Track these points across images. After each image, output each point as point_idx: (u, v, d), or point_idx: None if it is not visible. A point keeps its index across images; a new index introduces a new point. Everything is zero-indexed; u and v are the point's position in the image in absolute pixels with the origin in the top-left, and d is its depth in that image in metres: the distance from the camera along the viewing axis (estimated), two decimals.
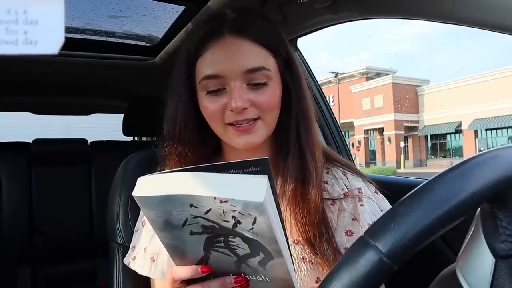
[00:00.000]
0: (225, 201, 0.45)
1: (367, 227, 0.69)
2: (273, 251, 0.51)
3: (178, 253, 0.56)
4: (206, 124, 0.72)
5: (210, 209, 0.47)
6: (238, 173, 0.48)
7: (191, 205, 0.47)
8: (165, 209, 0.48)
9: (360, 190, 0.75)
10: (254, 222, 0.47)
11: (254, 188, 0.45)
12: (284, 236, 0.53)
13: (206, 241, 0.52)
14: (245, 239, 0.50)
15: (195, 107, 0.72)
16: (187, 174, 0.48)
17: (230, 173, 0.48)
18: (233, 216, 0.47)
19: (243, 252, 0.52)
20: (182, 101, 0.72)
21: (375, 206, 0.74)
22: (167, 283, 0.59)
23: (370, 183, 0.78)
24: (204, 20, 0.74)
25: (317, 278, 0.69)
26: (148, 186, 0.48)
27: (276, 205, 0.50)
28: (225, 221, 0.48)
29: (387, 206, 0.76)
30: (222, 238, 0.51)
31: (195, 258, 0.55)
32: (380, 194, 0.78)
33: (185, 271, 0.56)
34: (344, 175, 0.78)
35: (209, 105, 0.69)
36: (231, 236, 0.50)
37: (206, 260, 0.55)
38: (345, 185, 0.76)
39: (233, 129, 0.69)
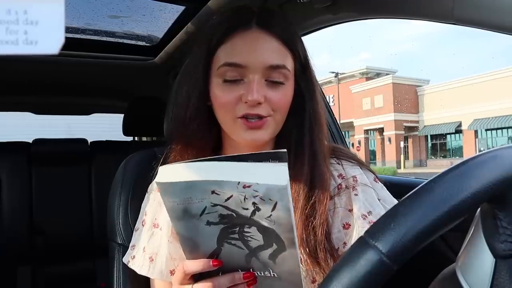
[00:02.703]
0: (249, 186, 0.47)
1: (361, 218, 0.69)
2: (287, 239, 0.52)
3: (191, 245, 0.56)
4: (213, 117, 0.72)
5: (231, 196, 0.49)
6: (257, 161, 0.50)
7: (213, 192, 0.49)
8: (186, 196, 0.50)
9: (355, 178, 0.73)
10: (273, 209, 0.49)
11: (276, 174, 0.47)
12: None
13: (221, 232, 0.53)
14: (261, 228, 0.51)
15: (208, 97, 0.71)
16: (209, 162, 0.50)
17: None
18: (253, 203, 0.49)
19: (256, 243, 0.53)
20: (197, 86, 0.71)
21: (371, 194, 0.73)
22: (176, 279, 0.59)
23: (370, 171, 0.77)
24: (230, 10, 0.74)
25: (313, 278, 0.69)
26: (172, 173, 0.49)
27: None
28: (244, 208, 0.50)
29: (386, 195, 0.75)
30: (237, 229, 0.53)
31: (207, 251, 0.56)
32: (380, 183, 0.76)
33: (197, 264, 0.56)
34: (339, 163, 0.76)
35: (223, 94, 0.68)
36: (247, 226, 0.52)
37: (218, 254, 0.56)
38: (340, 174, 0.75)
39: (243, 123, 0.68)
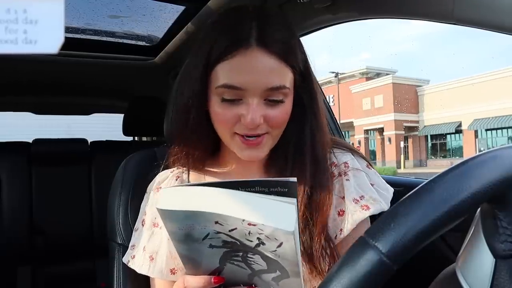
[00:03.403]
0: (254, 225, 0.45)
1: (353, 203, 0.69)
2: (291, 271, 0.51)
3: (192, 263, 0.56)
4: (211, 125, 0.72)
5: (235, 228, 0.47)
6: (264, 192, 0.47)
7: (216, 222, 0.47)
8: (188, 223, 0.48)
9: (346, 164, 0.73)
10: (279, 246, 0.47)
11: (284, 215, 0.44)
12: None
13: (224, 254, 0.52)
14: (265, 257, 0.50)
15: (206, 105, 0.71)
16: (214, 190, 0.47)
17: (255, 190, 0.47)
18: (258, 238, 0.47)
19: (259, 267, 0.52)
20: (195, 100, 0.71)
21: (363, 178, 0.72)
22: None
23: (362, 157, 0.77)
24: (229, 21, 0.70)
25: (309, 269, 0.69)
26: (174, 199, 0.47)
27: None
28: (249, 240, 0.48)
29: (379, 180, 0.74)
30: (241, 254, 0.51)
31: (209, 268, 0.55)
32: (373, 169, 0.76)
33: (198, 281, 0.56)
34: (331, 152, 0.76)
35: (222, 112, 0.68)
36: (251, 253, 0.50)
37: (220, 271, 0.55)
38: (332, 162, 0.75)
39: (241, 140, 0.68)
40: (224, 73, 0.66)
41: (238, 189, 0.47)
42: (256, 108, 0.65)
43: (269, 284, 0.54)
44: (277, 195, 0.47)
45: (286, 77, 0.67)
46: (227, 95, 0.66)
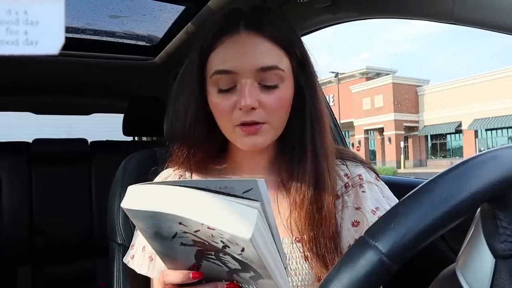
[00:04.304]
0: (213, 229, 0.43)
1: (371, 213, 0.69)
2: (263, 273, 0.50)
3: (169, 259, 0.55)
4: (214, 121, 0.72)
5: (199, 230, 0.46)
6: (230, 193, 0.45)
7: (180, 223, 0.46)
8: (154, 222, 0.48)
9: (360, 177, 0.74)
10: (242, 250, 0.46)
11: (243, 221, 0.42)
12: (278, 255, 0.50)
13: (197, 252, 0.52)
14: (235, 258, 0.49)
15: (206, 103, 0.71)
16: (177, 190, 0.45)
17: (223, 192, 0.45)
18: (221, 241, 0.46)
19: (234, 267, 0.51)
20: (193, 96, 0.71)
21: (376, 191, 0.73)
22: (159, 285, 0.59)
23: (371, 169, 0.77)
24: (220, 14, 0.72)
25: (318, 277, 0.69)
26: (137, 198, 0.47)
27: (269, 226, 0.47)
28: (215, 242, 0.47)
29: (388, 192, 0.75)
30: (213, 253, 0.50)
31: (186, 264, 0.55)
32: (381, 181, 0.77)
33: (176, 276, 0.56)
34: (343, 163, 0.76)
35: (219, 102, 0.68)
36: (222, 253, 0.49)
37: (198, 267, 0.55)
38: (345, 173, 0.75)
39: (241, 129, 0.68)
40: (216, 61, 0.67)
41: (204, 189, 0.45)
42: (250, 90, 0.65)
43: (249, 282, 0.54)
44: (244, 197, 0.44)
45: (279, 59, 0.67)
46: (222, 83, 0.67)
